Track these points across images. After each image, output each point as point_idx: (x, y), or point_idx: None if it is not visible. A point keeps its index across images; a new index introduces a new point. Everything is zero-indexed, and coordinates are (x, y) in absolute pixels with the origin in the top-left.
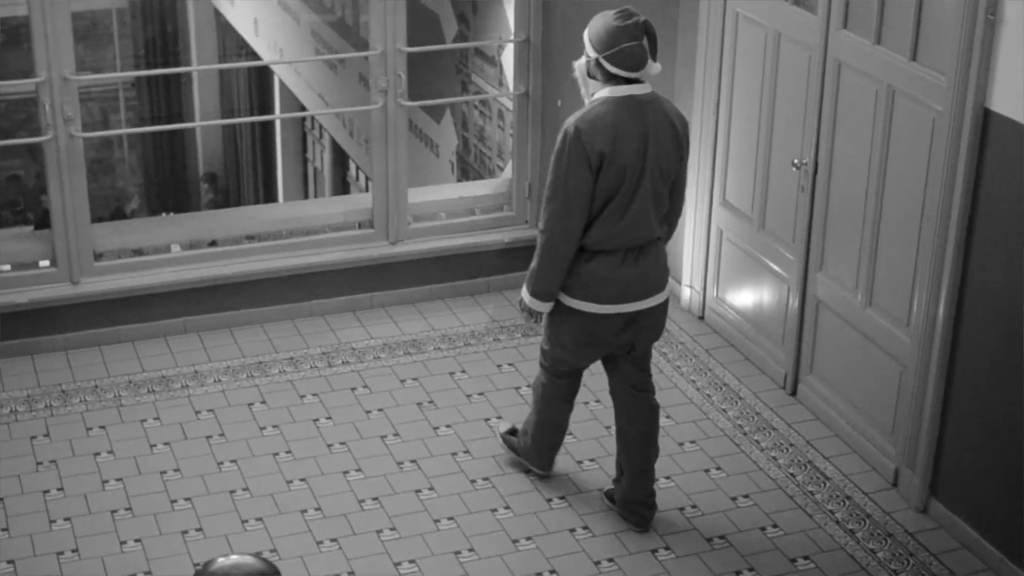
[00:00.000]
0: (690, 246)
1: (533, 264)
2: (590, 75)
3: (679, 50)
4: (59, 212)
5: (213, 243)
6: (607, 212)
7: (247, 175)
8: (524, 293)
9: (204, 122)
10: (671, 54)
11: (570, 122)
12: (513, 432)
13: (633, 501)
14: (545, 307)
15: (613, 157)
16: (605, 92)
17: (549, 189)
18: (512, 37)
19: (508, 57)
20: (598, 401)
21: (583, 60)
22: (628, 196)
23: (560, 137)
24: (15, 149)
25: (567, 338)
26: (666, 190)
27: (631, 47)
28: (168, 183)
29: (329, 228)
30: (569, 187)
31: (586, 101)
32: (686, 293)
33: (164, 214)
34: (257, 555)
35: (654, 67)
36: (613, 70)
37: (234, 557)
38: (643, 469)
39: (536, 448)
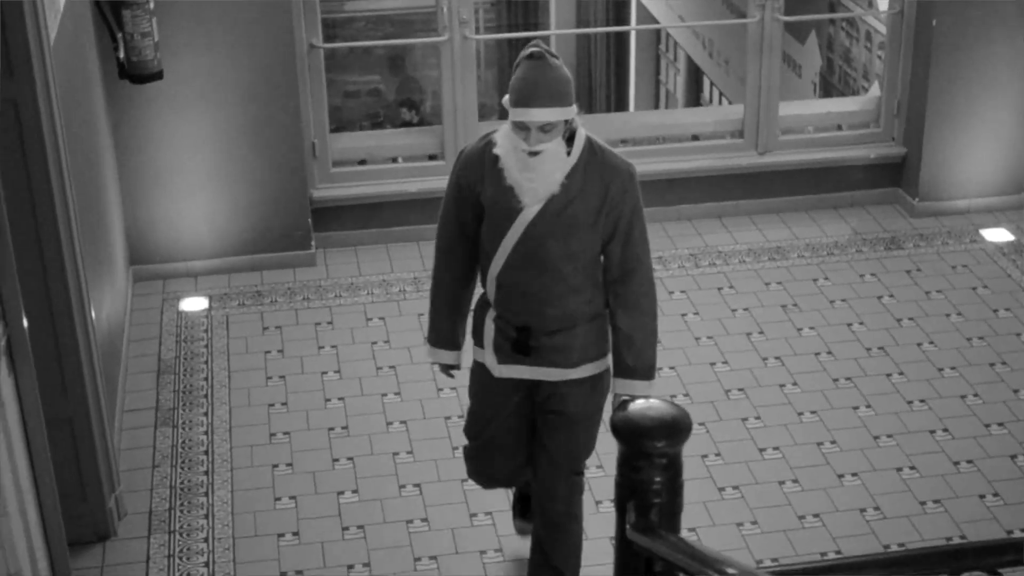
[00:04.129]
0: None
1: (637, 344)
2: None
3: None
4: (450, 108)
5: None
6: None
7: (599, 96)
8: (640, 387)
9: (560, 30)
10: None
11: (625, 166)
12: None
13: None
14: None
15: None
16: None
17: (645, 243)
18: None
19: None
20: (922, 401)
21: (575, 107)
22: None
23: (631, 183)
24: (375, 64)
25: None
26: None
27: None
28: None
29: (700, 136)
30: None
31: (564, 149)
32: None
33: None
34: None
35: None
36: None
37: (653, 401)
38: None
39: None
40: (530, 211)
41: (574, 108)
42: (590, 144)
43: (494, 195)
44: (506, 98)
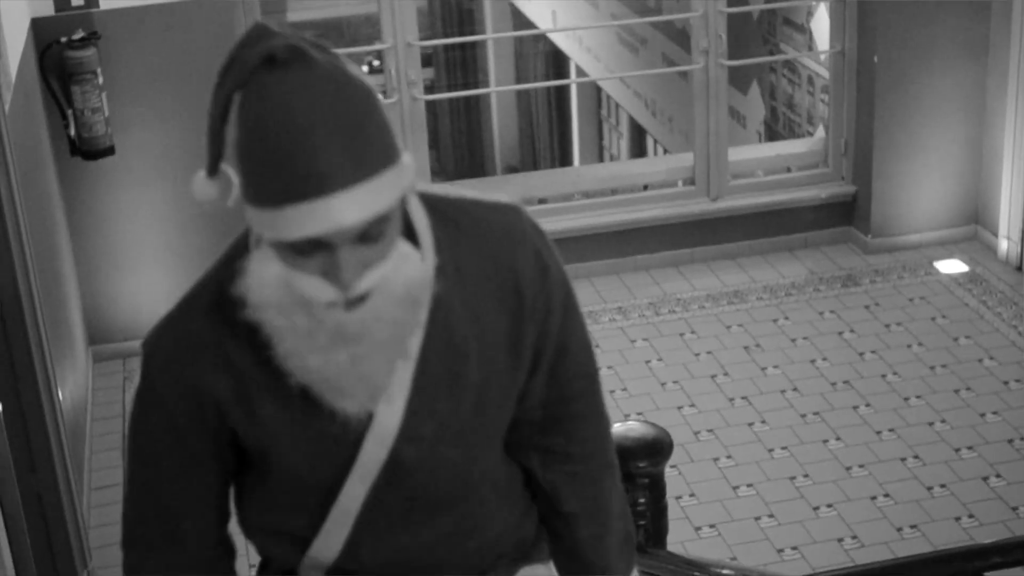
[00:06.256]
0: (1007, 196)
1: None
2: None
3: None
4: None
5: (543, 200)
6: None
7: (544, 157)
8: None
9: (499, 88)
10: (984, 4)
11: (517, 220)
12: None
13: None
14: None
15: None
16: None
17: (591, 358)
18: None
19: (816, 23)
20: (891, 431)
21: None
22: None
23: (544, 246)
24: None
25: None
26: None
27: None
28: (467, 176)
29: (652, 186)
30: None
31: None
32: (1003, 245)
33: None
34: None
35: None
36: None
37: (631, 422)
38: None
39: None
40: (382, 427)
41: (406, 162)
42: (438, 209)
43: (275, 426)
44: (227, 181)
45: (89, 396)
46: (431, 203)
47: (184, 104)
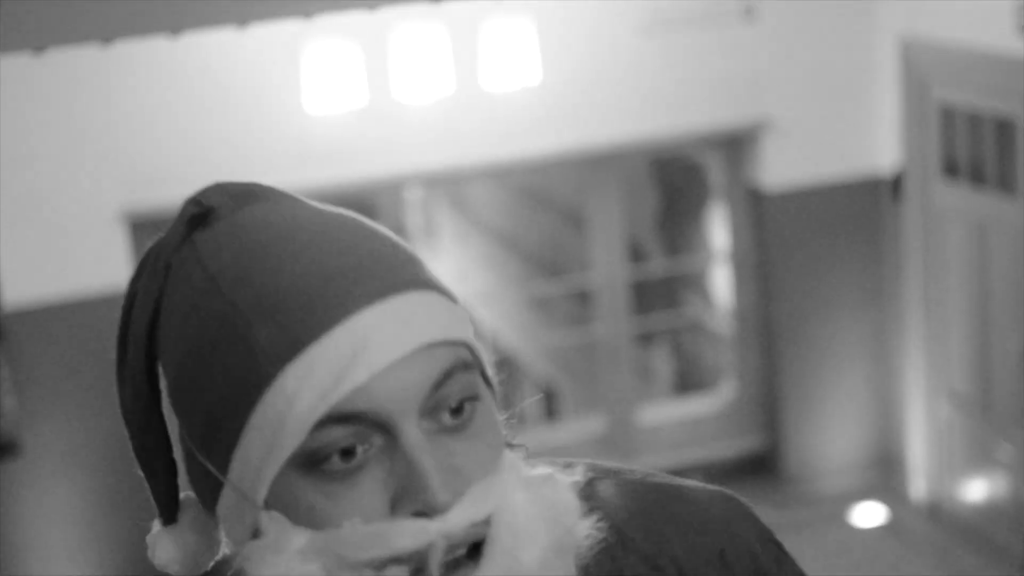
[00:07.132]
0: (916, 441)
1: None
2: None
3: (884, 250)
4: None
5: None
6: None
7: None
8: None
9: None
10: (875, 254)
11: (716, 499)
12: None
13: None
14: None
15: None
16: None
17: None
18: (723, 256)
19: (715, 280)
20: None
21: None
22: None
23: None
24: None
25: None
26: None
27: None
28: None
29: (564, 449)
30: None
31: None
32: (916, 489)
33: None
34: None
35: None
36: None
37: None
38: None
39: None
40: None
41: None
42: (621, 488)
43: None
44: (197, 518)
45: None
46: (598, 477)
47: (96, 399)
